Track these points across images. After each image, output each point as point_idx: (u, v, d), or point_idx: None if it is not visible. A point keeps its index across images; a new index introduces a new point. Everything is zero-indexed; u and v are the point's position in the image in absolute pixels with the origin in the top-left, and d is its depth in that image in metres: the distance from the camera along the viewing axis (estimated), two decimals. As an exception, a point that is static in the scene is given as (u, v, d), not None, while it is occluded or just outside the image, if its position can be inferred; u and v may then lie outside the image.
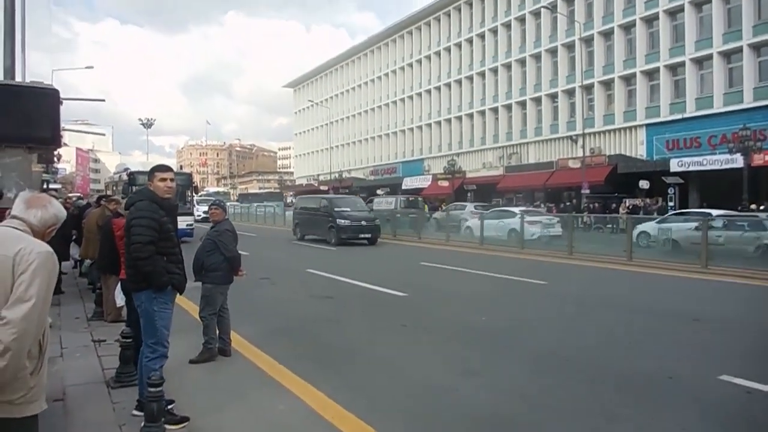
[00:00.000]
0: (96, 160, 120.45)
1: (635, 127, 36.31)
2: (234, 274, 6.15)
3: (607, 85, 38.37)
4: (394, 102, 59.01)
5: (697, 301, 10.01)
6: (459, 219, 25.23)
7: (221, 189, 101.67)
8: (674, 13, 34.38)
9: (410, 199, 37.22)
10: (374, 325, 7.99)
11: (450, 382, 5.43)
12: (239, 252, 6.41)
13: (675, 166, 30.64)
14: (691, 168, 29.98)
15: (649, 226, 18.01)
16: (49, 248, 2.30)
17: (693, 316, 8.34)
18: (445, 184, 43.51)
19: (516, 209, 22.63)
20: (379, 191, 51.53)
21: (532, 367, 5.91)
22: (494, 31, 46.98)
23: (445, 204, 39.42)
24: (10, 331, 2.07)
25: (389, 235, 25.16)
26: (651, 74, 35.70)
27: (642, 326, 7.76)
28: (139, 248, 4.14)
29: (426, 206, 41.92)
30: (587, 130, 36.39)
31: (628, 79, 37.08)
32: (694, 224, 15.76)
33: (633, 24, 36.48)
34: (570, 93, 40.76)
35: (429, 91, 54.05)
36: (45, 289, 2.20)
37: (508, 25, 45.67)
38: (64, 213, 2.61)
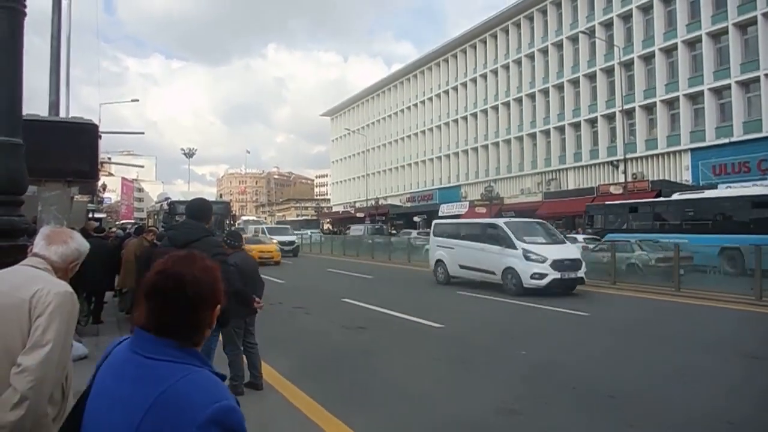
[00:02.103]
0: (140, 190, 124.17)
1: (679, 151, 35.38)
2: (247, 308, 6.07)
3: (649, 109, 37.63)
4: (431, 129, 59.22)
5: (753, 336, 9.54)
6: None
7: (252, 217, 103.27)
8: (717, 35, 33.65)
9: (376, 227, 46.49)
10: (409, 358, 7.83)
11: (486, 419, 5.23)
12: (261, 281, 6.36)
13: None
14: (741, 193, 28.80)
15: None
16: (68, 288, 2.24)
17: (750, 354, 7.94)
18: (483, 210, 43.11)
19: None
20: (416, 218, 51.47)
21: (573, 407, 5.62)
22: (531, 57, 46.88)
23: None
24: (26, 379, 2.01)
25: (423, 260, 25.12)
26: (695, 98, 34.86)
27: (694, 363, 7.43)
28: (226, 286, 4.23)
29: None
30: (629, 155, 35.65)
31: (671, 103, 36.31)
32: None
33: (674, 47, 35.85)
34: (610, 118, 40.11)
35: (465, 118, 54.06)
36: (64, 332, 2.12)
37: (545, 51, 45.52)
38: (86, 247, 2.56)
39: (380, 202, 58.10)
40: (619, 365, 7.40)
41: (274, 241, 27.46)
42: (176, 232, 4.56)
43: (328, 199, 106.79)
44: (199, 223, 4.39)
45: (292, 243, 31.03)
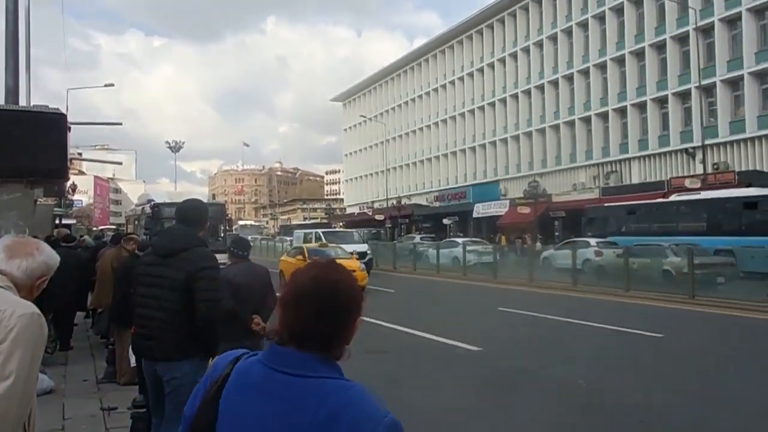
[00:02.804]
0: (117, 190, 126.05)
1: (774, 135, 34.75)
2: (244, 331, 6.05)
3: (734, 84, 36.80)
4: (462, 114, 59.19)
5: None
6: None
7: (250, 222, 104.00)
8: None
9: (373, 232, 48.21)
10: (442, 389, 7.78)
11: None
12: (272, 297, 6.33)
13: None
14: None
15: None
16: (34, 309, 2.20)
17: None
18: (526, 210, 42.90)
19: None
20: (445, 220, 51.41)
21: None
22: (584, 26, 46.45)
23: (529, 234, 38.80)
24: None
25: (459, 273, 25.31)
26: (795, 69, 34.03)
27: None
28: (214, 307, 4.23)
29: (503, 238, 41.46)
30: (708, 141, 34.87)
31: (763, 76, 35.56)
32: None
33: (766, 6, 35.15)
34: (683, 96, 39.57)
35: (504, 101, 53.89)
36: (29, 362, 2.10)
37: (601, 18, 45.11)
38: (55, 260, 2.54)
39: (403, 202, 58.20)
40: (707, 399, 7.20)
41: (353, 255, 22.41)
42: (161, 239, 4.55)
43: (341, 199, 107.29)
44: (190, 229, 4.36)
45: (364, 255, 26.03)
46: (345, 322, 1.59)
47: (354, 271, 16.77)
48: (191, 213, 4.47)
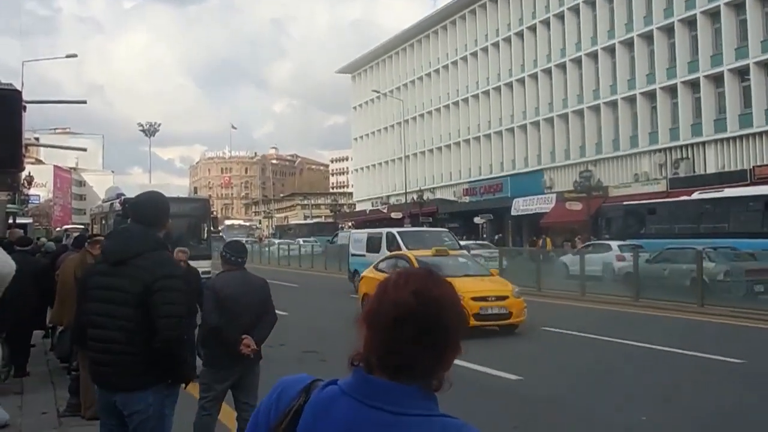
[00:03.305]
0: (81, 183, 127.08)
1: None
2: (233, 354, 6.03)
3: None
4: (498, 89, 59.06)
5: None
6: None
7: (238, 221, 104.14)
8: None
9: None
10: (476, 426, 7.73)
11: None
12: (271, 316, 6.35)
13: None
14: None
15: None
16: None
17: None
18: (577, 206, 42.62)
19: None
20: (477, 219, 51.36)
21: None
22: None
23: (581, 237, 38.54)
24: None
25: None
26: None
27: None
28: (176, 325, 4.20)
29: (549, 241, 41.24)
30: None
31: None
32: None
33: None
34: (768, 66, 39.25)
35: (549, 72, 53.66)
36: None
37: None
38: (10, 268, 2.57)
39: (425, 197, 58.13)
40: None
41: (495, 275, 17.47)
42: (111, 243, 4.49)
43: (349, 193, 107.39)
44: (147, 229, 4.31)
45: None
46: (449, 346, 1.63)
47: (504, 295, 14.43)
48: (148, 209, 4.42)
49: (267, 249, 53.88)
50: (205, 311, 6.13)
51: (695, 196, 29.64)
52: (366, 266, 20.87)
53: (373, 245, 25.31)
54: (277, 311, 6.54)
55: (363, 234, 28.57)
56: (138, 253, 4.17)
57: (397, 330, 1.58)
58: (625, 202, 35.76)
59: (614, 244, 26.94)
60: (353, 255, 26.82)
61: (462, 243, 37.06)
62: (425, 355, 1.59)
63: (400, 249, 21.85)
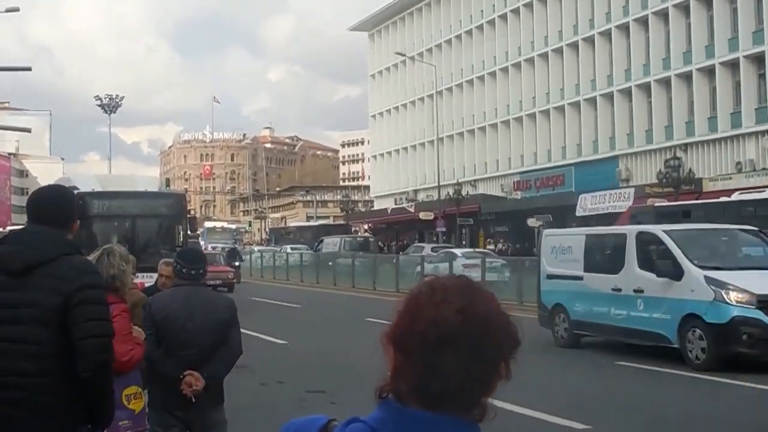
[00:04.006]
0: (22, 173, 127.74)
1: None
2: (173, 394, 5.97)
3: None
4: (559, 51, 59.11)
5: None
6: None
7: (221, 224, 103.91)
8: None
9: (358, 238, 54.40)
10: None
11: None
12: (233, 344, 6.18)
13: None
14: None
15: None
16: None
17: None
18: (663, 203, 42.31)
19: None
20: (531, 220, 51.12)
21: None
22: None
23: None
24: None
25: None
26: None
27: None
28: (105, 346, 4.16)
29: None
30: None
31: None
32: None
33: None
34: None
35: (625, 28, 53.46)
36: None
37: None
38: None
39: (465, 192, 58.10)
40: None
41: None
42: (12, 248, 4.27)
43: (366, 187, 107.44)
44: (54, 230, 4.22)
45: None
46: (497, 371, 1.70)
47: None
48: (50, 206, 4.33)
49: (249, 257, 54.50)
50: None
51: (735, 197, 30.44)
52: (584, 298, 17.78)
53: (601, 258, 18.60)
54: (274, 339, 6.52)
55: (573, 236, 20.13)
56: (51, 257, 4.09)
57: (436, 354, 1.65)
58: (656, 204, 36.58)
59: None
60: (550, 277, 19.43)
61: (462, 251, 39.90)
62: (469, 381, 1.66)
63: (673, 264, 15.73)
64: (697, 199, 41.42)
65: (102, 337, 4.11)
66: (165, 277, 7.60)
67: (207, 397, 5.96)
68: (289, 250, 53.80)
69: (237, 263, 41.67)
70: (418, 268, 36.23)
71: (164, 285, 7.37)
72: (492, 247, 52.30)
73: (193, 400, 5.86)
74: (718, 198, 34.00)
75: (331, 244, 53.71)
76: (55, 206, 4.36)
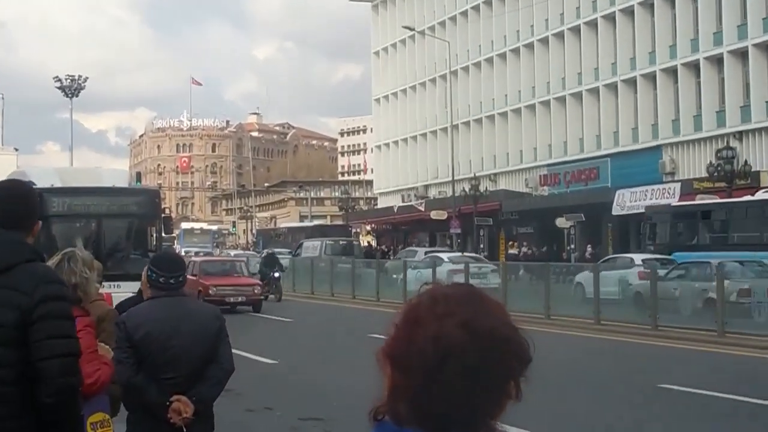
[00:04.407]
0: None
1: None
2: (155, 423, 5.97)
3: None
4: (591, 23, 59.03)
5: None
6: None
7: (201, 225, 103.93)
8: None
9: (341, 242, 56.49)
10: None
11: None
12: (225, 362, 6.16)
13: None
14: None
15: None
16: None
17: None
18: (712, 199, 42.32)
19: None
20: (560, 221, 51.15)
21: None
22: None
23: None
24: None
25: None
26: None
27: None
28: (71, 368, 4.13)
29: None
30: None
31: None
32: None
33: None
34: None
35: (670, 1, 53.37)
36: None
37: None
38: None
39: (484, 187, 57.97)
40: None
41: None
42: None
43: (368, 182, 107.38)
44: (10, 233, 4.19)
45: None
46: (505, 390, 1.75)
47: None
48: (5, 204, 4.31)
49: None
50: (114, 360, 5.92)
51: (759, 195, 32.29)
52: None
53: None
54: (263, 359, 6.49)
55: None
56: (7, 266, 4.07)
57: (438, 372, 1.68)
58: (673, 203, 39.24)
59: (638, 257, 31.07)
60: None
61: (448, 255, 42.21)
62: (475, 402, 1.70)
63: None
64: (755, 193, 41.43)
65: (67, 357, 4.08)
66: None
67: (198, 424, 5.95)
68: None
69: (277, 273, 39.05)
70: (402, 275, 37.34)
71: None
72: (515, 251, 52.27)
73: (184, 430, 5.85)
74: (742, 197, 35.66)
75: (311, 248, 55.07)
76: (12, 205, 4.31)
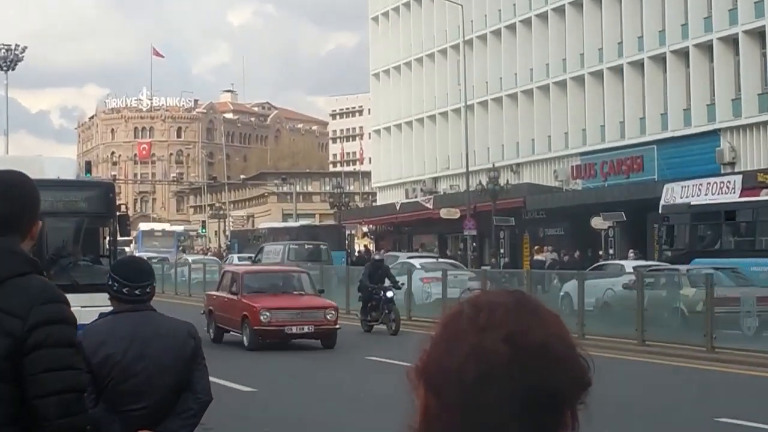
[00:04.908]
0: None
1: None
2: None
3: None
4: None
5: None
6: None
7: (162, 226, 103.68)
8: None
9: (307, 246, 57.48)
10: None
11: None
12: (199, 392, 6.15)
13: None
14: None
15: None
16: None
17: None
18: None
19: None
20: (596, 220, 51.21)
21: None
22: None
23: None
24: None
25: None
26: None
27: None
28: (75, 405, 4.16)
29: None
30: None
31: None
32: None
33: None
34: None
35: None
36: None
37: None
38: None
39: (503, 180, 57.93)
40: None
41: None
42: None
43: (365, 174, 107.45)
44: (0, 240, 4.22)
45: None
46: (558, 420, 1.70)
47: None
48: None
49: (174, 271, 56.41)
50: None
51: None
52: None
53: None
54: (242, 387, 6.48)
55: None
56: None
57: (477, 396, 1.64)
58: (693, 201, 39.53)
59: (629, 264, 32.79)
60: None
61: (408, 256, 45.11)
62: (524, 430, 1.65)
63: None
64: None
65: (68, 394, 4.07)
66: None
67: None
68: (236, 260, 57.21)
69: (390, 292, 31.53)
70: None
71: None
72: (541, 257, 52.03)
73: None
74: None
75: (273, 253, 56.14)
76: (4, 201, 4.19)
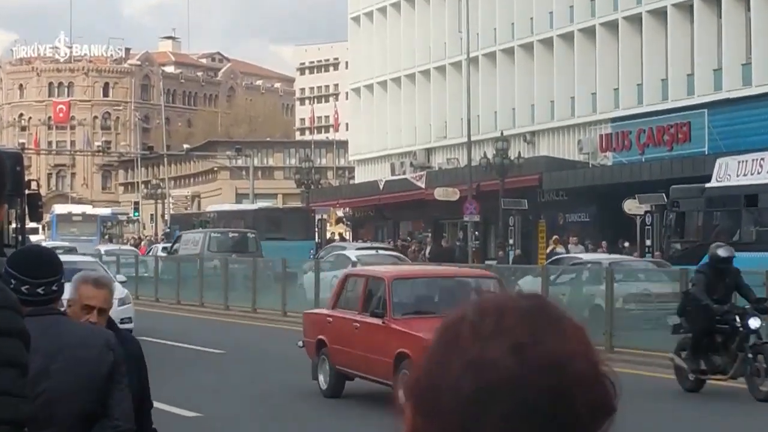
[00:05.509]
0: None
1: None
2: None
3: None
4: None
5: None
6: None
7: (83, 208, 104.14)
8: None
9: (231, 235, 61.06)
10: None
11: None
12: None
13: None
14: None
15: None
16: None
17: None
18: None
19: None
20: (630, 203, 51.36)
21: None
22: None
23: None
24: None
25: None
26: None
27: None
28: (21, 409, 4.46)
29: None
30: None
31: None
32: None
33: None
34: None
35: None
36: None
37: None
38: None
39: (514, 153, 58.07)
40: None
41: None
42: None
43: (340, 143, 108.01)
44: None
45: None
46: None
47: None
48: None
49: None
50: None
51: None
52: None
53: None
54: (180, 410, 6.44)
55: None
56: None
57: (475, 418, 1.60)
58: (707, 183, 40.32)
59: (589, 257, 35.89)
60: None
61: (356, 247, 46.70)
62: None
63: None
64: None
65: (5, 426, 4.32)
66: (85, 308, 7.10)
67: None
68: (160, 250, 60.44)
69: (756, 324, 25.60)
70: (301, 281, 40.06)
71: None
72: (562, 249, 52.06)
73: None
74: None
75: (192, 242, 58.60)
76: None
